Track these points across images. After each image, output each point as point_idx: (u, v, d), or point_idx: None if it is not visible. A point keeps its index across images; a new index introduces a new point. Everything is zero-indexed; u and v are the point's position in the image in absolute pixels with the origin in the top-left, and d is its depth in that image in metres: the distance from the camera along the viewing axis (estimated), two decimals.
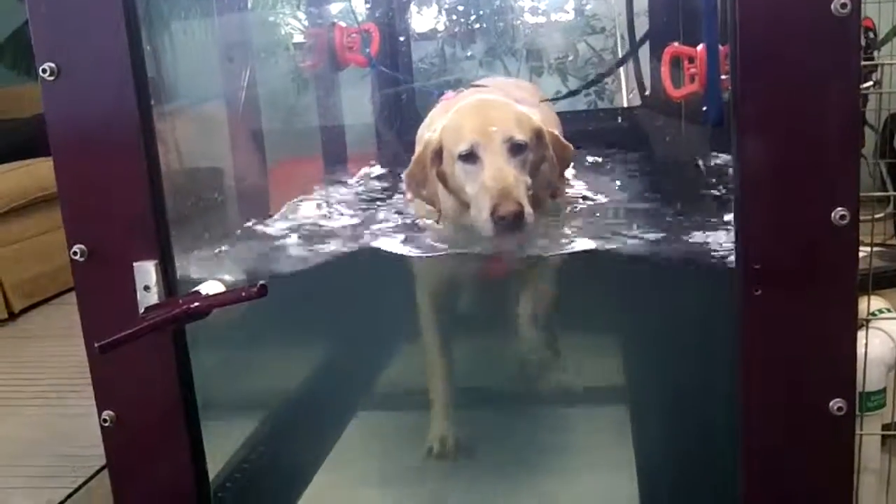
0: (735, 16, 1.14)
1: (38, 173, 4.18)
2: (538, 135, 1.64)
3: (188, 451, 1.36)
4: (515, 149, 1.59)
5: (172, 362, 1.33)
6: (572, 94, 2.60)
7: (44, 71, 1.27)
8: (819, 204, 1.15)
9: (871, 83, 1.76)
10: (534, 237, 1.63)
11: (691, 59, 1.88)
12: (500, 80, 2.73)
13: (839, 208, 1.14)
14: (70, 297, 4.14)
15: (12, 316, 4.10)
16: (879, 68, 1.76)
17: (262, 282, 1.21)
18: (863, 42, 1.39)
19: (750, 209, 1.17)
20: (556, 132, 1.71)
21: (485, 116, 1.63)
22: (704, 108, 1.41)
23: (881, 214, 2.60)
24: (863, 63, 1.39)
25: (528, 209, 1.51)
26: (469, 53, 3.91)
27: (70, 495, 2.37)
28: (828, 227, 1.14)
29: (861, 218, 1.16)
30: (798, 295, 1.18)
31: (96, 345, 1.19)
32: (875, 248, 1.60)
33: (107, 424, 1.34)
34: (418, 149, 1.71)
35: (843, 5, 1.10)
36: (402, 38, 2.80)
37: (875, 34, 2.07)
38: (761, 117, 1.15)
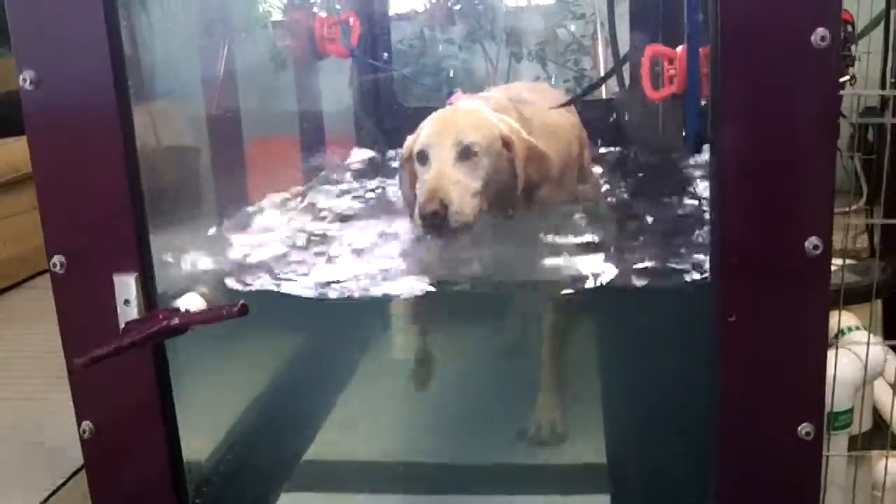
0: (717, 44, 1.15)
1: (9, 154, 4.09)
2: (505, 143, 1.64)
3: (167, 460, 1.37)
4: (464, 153, 1.60)
5: (151, 373, 1.33)
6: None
7: (24, 80, 1.26)
8: (793, 233, 1.17)
9: (848, 77, 1.77)
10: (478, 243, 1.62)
11: (671, 61, 1.88)
12: (517, 84, 2.69)
13: (813, 238, 1.16)
14: (41, 280, 4.13)
15: None
16: (857, 62, 1.77)
17: (241, 301, 1.21)
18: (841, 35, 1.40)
19: (726, 236, 1.19)
20: (582, 141, 1.76)
21: (445, 121, 1.66)
22: (684, 134, 1.42)
23: (855, 207, 2.63)
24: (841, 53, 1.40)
25: (454, 210, 1.51)
26: (448, 36, 3.89)
27: (48, 498, 2.37)
28: (801, 257, 1.16)
29: (835, 210, 1.17)
30: (771, 322, 1.20)
31: (76, 362, 1.19)
32: (847, 262, 1.62)
33: (86, 435, 1.35)
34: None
35: (823, 38, 1.11)
36: (382, 22, 2.79)
37: (853, 27, 2.08)
38: (739, 149, 1.16)
